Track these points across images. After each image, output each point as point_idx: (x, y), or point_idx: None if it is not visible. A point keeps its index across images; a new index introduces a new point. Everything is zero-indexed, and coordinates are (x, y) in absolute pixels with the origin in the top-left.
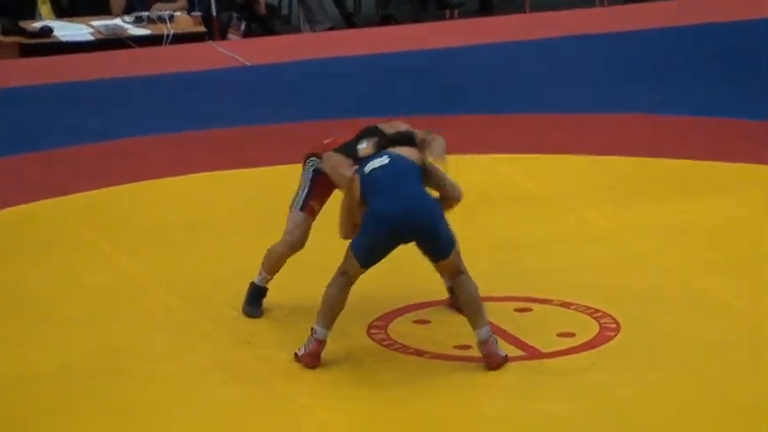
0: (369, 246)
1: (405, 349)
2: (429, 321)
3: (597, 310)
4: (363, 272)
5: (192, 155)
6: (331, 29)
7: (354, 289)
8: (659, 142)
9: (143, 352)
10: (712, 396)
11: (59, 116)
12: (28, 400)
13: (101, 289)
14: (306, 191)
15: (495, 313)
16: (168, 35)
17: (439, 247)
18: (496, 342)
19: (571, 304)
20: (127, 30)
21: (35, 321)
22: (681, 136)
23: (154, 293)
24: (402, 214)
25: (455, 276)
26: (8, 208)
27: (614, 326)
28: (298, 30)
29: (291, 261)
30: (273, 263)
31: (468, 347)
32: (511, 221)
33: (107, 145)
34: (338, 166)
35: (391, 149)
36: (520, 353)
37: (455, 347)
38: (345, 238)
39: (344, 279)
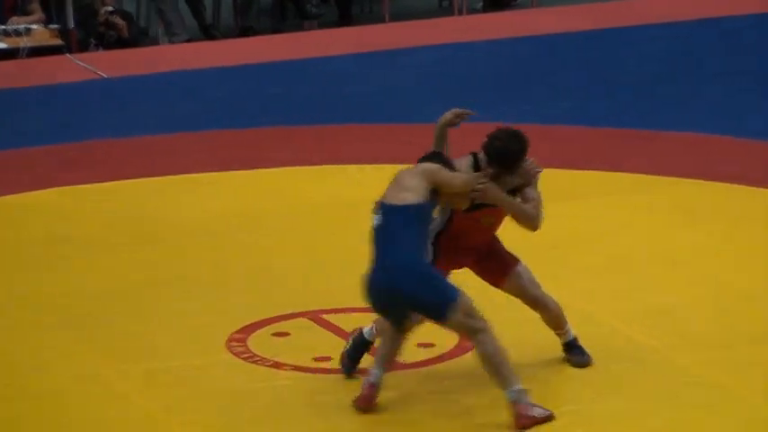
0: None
1: (263, 362)
2: (289, 334)
3: None
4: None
5: (47, 169)
6: (188, 41)
7: (215, 301)
8: None
9: (4, 369)
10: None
11: None
12: None
13: None
14: None
15: (354, 324)
16: (25, 48)
17: (429, 312)
18: (528, 402)
19: None
20: None
21: None
22: (537, 145)
23: (14, 311)
24: (380, 287)
25: (468, 339)
26: None
27: None
28: (156, 42)
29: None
30: None
31: (327, 359)
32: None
33: None
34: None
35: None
36: None
37: (315, 359)
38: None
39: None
